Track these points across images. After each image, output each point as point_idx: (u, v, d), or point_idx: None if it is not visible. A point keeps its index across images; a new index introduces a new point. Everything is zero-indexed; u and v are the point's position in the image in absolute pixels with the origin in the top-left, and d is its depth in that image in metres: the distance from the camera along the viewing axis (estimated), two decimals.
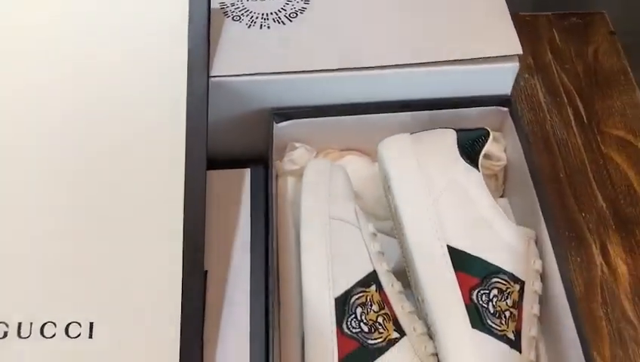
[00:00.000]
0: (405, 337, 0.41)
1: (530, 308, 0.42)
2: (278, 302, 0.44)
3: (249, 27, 0.48)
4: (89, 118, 0.44)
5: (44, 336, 0.41)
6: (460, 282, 0.41)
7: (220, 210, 0.47)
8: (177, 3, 0.45)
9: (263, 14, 0.48)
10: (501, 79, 0.47)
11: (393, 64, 0.46)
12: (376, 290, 0.41)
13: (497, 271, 0.41)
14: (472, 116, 0.49)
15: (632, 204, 0.55)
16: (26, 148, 0.44)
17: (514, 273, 0.41)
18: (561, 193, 0.56)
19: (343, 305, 0.40)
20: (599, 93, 0.62)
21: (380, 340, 0.40)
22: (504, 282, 0.41)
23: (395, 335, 0.40)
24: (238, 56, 0.46)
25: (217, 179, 0.48)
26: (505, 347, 0.40)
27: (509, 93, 0.48)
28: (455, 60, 0.45)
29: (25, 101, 0.45)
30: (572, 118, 0.60)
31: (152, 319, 0.41)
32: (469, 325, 0.40)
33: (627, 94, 0.62)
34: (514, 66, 0.46)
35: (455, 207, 0.43)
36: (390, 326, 0.41)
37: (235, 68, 0.45)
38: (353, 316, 0.40)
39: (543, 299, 0.45)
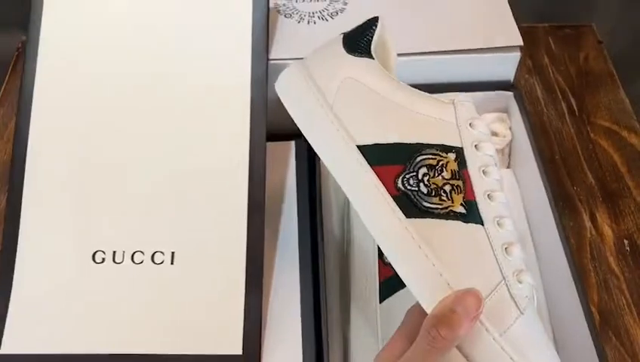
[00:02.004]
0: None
1: (480, 172, 0.38)
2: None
3: (298, 23, 0.58)
4: (174, 95, 0.53)
5: (134, 262, 0.50)
6: (381, 176, 0.37)
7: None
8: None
9: (309, 13, 0.59)
10: (505, 67, 0.57)
11: (413, 51, 0.56)
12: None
13: (420, 148, 0.38)
14: (480, 98, 0.58)
15: (616, 181, 0.64)
16: (130, 122, 0.53)
17: (443, 143, 0.38)
18: (556, 171, 0.65)
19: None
20: (589, 91, 0.72)
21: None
22: (432, 156, 0.37)
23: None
24: (291, 44, 0.56)
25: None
26: (455, 223, 0.36)
27: (513, 79, 0.58)
28: (466, 49, 0.55)
29: (126, 84, 0.54)
30: (565, 111, 0.70)
31: (221, 252, 0.50)
32: (403, 216, 0.36)
33: (613, 92, 0.71)
34: (516, 55, 0.56)
35: (355, 104, 0.40)
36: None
37: (289, 53, 0.55)
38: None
39: (545, 251, 0.54)
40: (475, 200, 0.37)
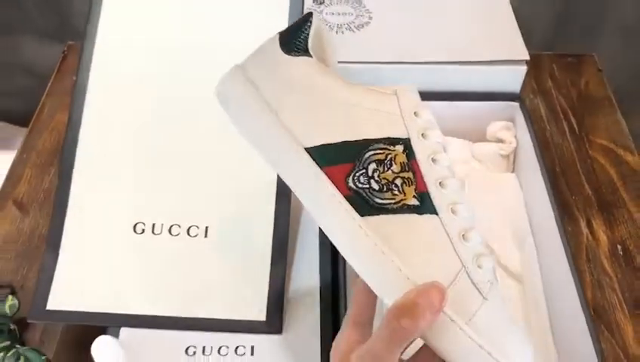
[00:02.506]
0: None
1: (430, 161, 0.37)
2: None
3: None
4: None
5: (171, 234, 0.55)
6: (332, 177, 0.37)
7: None
8: (280, 8, 0.61)
9: (337, 24, 0.65)
10: (512, 79, 0.63)
11: (428, 60, 0.61)
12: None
13: (368, 143, 0.37)
14: (488, 108, 0.64)
15: (612, 193, 0.69)
16: (174, 109, 0.59)
17: (390, 136, 0.37)
18: (556, 181, 0.70)
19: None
20: (588, 113, 0.77)
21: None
22: (381, 151, 0.37)
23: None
24: None
25: None
26: (409, 217, 0.36)
27: (519, 91, 0.64)
28: (476, 61, 0.61)
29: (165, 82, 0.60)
30: (567, 129, 0.76)
31: (250, 229, 0.55)
32: (357, 216, 0.36)
33: (610, 115, 0.77)
34: (522, 69, 0.62)
35: (298, 105, 0.39)
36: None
37: None
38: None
39: (546, 251, 0.58)
40: (427, 191, 0.36)
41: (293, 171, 0.38)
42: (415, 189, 0.36)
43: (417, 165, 0.37)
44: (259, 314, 0.52)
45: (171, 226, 0.55)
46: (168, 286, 0.53)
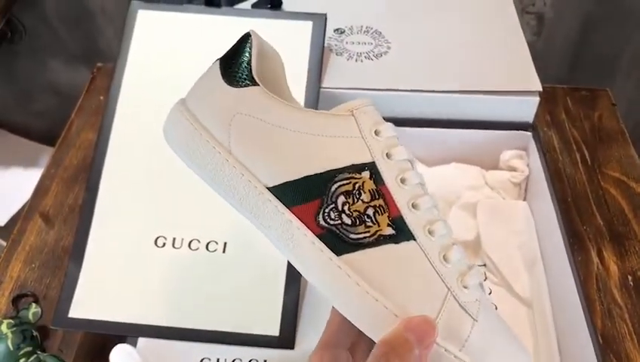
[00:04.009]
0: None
1: (398, 182, 0.35)
2: None
3: (347, 60, 0.67)
4: None
5: (191, 249, 0.57)
6: (301, 216, 0.34)
7: None
8: (303, 35, 0.64)
9: (357, 52, 0.68)
10: (525, 109, 0.65)
11: (444, 89, 0.64)
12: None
13: (332, 175, 0.34)
14: (501, 137, 0.66)
15: (623, 225, 0.70)
16: None
17: (354, 162, 0.35)
18: (567, 211, 0.71)
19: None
20: (601, 146, 0.78)
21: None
22: (347, 181, 0.34)
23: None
24: (340, 76, 0.65)
25: None
26: (387, 248, 0.34)
27: (532, 121, 0.66)
28: (491, 90, 0.63)
29: None
30: (579, 160, 0.77)
31: (267, 247, 0.57)
32: (333, 256, 0.34)
33: (623, 148, 0.78)
34: (535, 99, 0.64)
35: (253, 142, 0.35)
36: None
37: (338, 83, 0.64)
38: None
39: (556, 278, 0.59)
40: (400, 215, 0.34)
41: (261, 215, 0.35)
42: (388, 216, 0.34)
43: (387, 189, 0.35)
44: (273, 329, 0.54)
45: (191, 241, 0.57)
46: (186, 299, 0.55)
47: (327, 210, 0.34)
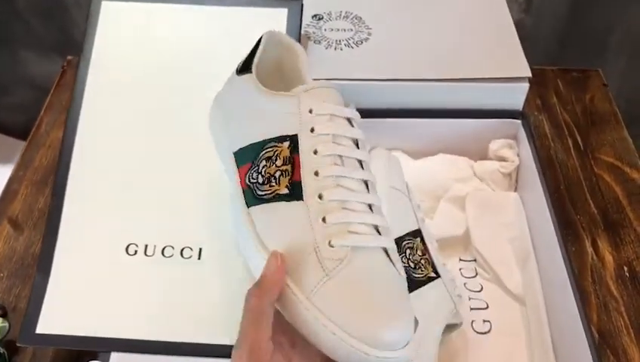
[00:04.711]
0: (440, 278, 0.52)
1: (311, 153, 0.40)
2: None
3: (326, 49, 0.63)
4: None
5: (164, 256, 0.54)
6: (241, 174, 0.43)
7: None
8: (278, 23, 0.60)
9: (336, 40, 0.64)
10: (515, 96, 0.61)
11: (430, 78, 0.60)
12: (420, 241, 0.53)
13: (262, 144, 0.41)
14: (490, 126, 0.63)
15: (618, 212, 0.67)
16: (167, 131, 0.58)
17: (281, 134, 0.41)
18: (560, 200, 0.68)
19: (396, 246, 0.48)
20: (594, 129, 0.76)
21: (421, 275, 0.51)
22: (271, 148, 0.41)
23: (433, 274, 0.52)
24: (319, 65, 0.61)
25: None
26: (278, 204, 0.40)
27: (522, 108, 0.63)
28: (479, 78, 0.60)
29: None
30: (571, 146, 0.74)
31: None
32: (245, 206, 0.42)
33: (616, 131, 0.75)
34: (525, 86, 0.60)
35: (234, 117, 0.45)
36: (429, 267, 0.52)
37: (316, 74, 0.60)
38: (403, 255, 0.51)
39: (548, 271, 0.57)
40: (300, 180, 0.39)
41: (229, 172, 0.45)
42: (290, 180, 0.39)
43: (299, 158, 0.40)
44: None
45: (164, 248, 0.54)
46: (162, 310, 0.52)
47: (252, 171, 0.42)
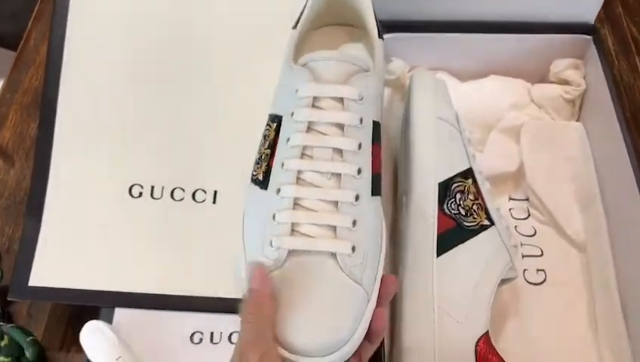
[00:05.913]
0: (494, 226, 0.46)
1: (285, 141, 0.39)
2: None
3: None
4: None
5: (173, 199, 0.47)
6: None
7: None
8: None
9: None
10: (586, 7, 0.52)
11: None
12: (472, 183, 0.46)
13: (268, 118, 0.42)
14: (552, 42, 0.54)
15: None
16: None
17: (272, 112, 0.41)
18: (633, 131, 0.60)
19: (445, 189, 0.45)
20: None
21: (473, 224, 0.45)
22: (267, 127, 0.41)
23: (486, 222, 0.45)
24: None
25: None
26: (254, 188, 0.40)
27: (593, 21, 0.53)
28: None
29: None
30: (639, 65, 0.65)
31: None
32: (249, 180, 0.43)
33: None
34: None
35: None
36: (482, 214, 0.46)
37: None
38: (453, 200, 0.45)
39: (617, 217, 0.50)
40: (271, 169, 0.38)
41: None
42: (267, 165, 0.39)
43: (277, 143, 0.39)
44: None
45: (174, 190, 0.48)
46: (172, 261, 0.47)
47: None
